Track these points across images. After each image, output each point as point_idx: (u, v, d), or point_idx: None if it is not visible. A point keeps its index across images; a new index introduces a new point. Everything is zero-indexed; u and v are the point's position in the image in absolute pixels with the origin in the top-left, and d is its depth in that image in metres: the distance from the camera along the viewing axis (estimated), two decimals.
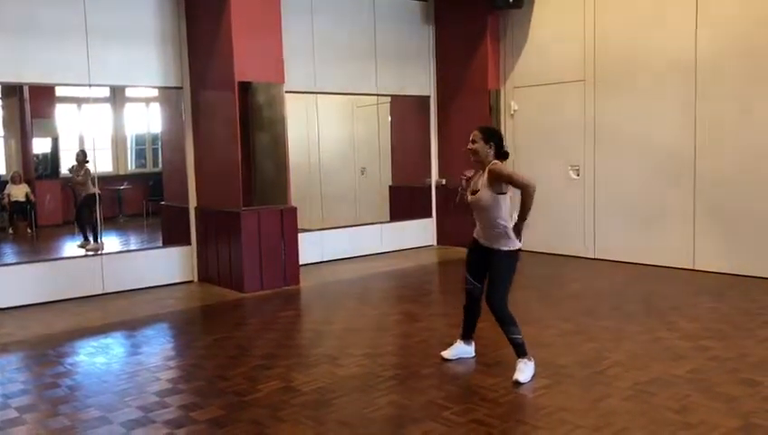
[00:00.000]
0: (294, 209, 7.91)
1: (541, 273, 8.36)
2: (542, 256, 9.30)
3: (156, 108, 10.03)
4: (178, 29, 8.08)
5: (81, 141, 9.96)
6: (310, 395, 4.38)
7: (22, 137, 9.98)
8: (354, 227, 9.92)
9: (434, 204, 10.53)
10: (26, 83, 8.19)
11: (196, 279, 8.27)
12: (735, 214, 7.59)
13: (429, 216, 10.52)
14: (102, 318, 6.67)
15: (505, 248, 4.58)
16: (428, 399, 4.26)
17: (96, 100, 8.72)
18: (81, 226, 8.97)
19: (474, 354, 5.04)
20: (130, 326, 6.42)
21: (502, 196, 4.52)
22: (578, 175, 9.04)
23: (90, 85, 7.55)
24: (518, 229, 4.57)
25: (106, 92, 10.00)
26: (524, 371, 4.55)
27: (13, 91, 9.49)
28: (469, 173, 4.77)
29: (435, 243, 10.53)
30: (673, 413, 3.92)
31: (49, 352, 5.57)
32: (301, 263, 8.10)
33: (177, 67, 8.09)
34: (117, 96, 10.46)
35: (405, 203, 10.68)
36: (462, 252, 9.55)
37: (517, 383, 4.48)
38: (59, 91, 9.47)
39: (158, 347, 5.83)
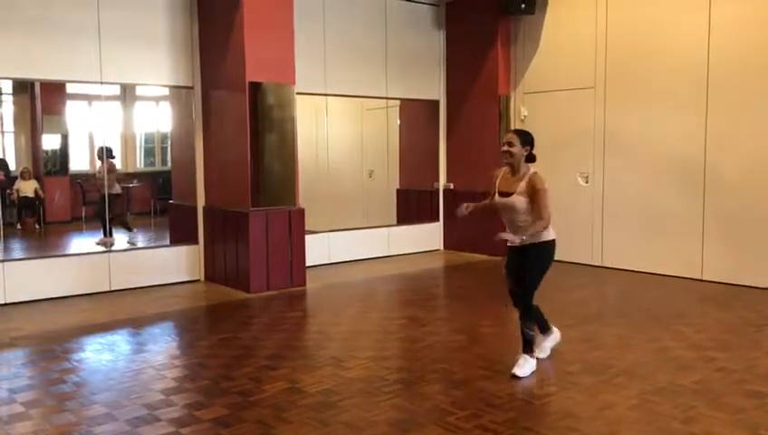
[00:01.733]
0: (302, 211, 7.92)
1: (548, 279, 8.29)
2: None
3: (166, 107, 10.05)
4: (190, 29, 8.11)
5: (91, 139, 10.00)
6: (315, 397, 4.38)
7: (32, 133, 10.02)
8: (361, 230, 9.93)
9: (441, 208, 10.52)
10: (38, 80, 8.22)
11: (202, 278, 8.29)
12: (744, 224, 7.55)
13: (436, 220, 10.52)
14: (109, 315, 6.69)
15: (540, 240, 4.70)
16: (434, 404, 4.25)
17: (107, 97, 8.75)
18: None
19: (559, 335, 5.19)
20: (137, 324, 6.43)
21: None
22: (587, 182, 9.03)
23: (101, 83, 7.59)
24: (504, 241, 4.67)
25: (117, 90, 10.02)
26: (524, 366, 4.72)
27: (24, 87, 9.53)
28: (499, 172, 4.88)
29: (441, 247, 10.52)
30: (679, 423, 3.90)
31: (55, 347, 5.59)
32: (307, 264, 8.10)
33: (189, 67, 8.12)
34: (127, 94, 10.49)
35: (412, 207, 10.68)
36: (468, 257, 9.65)
37: (514, 377, 4.65)
38: (70, 88, 9.49)
39: (163, 345, 5.85)
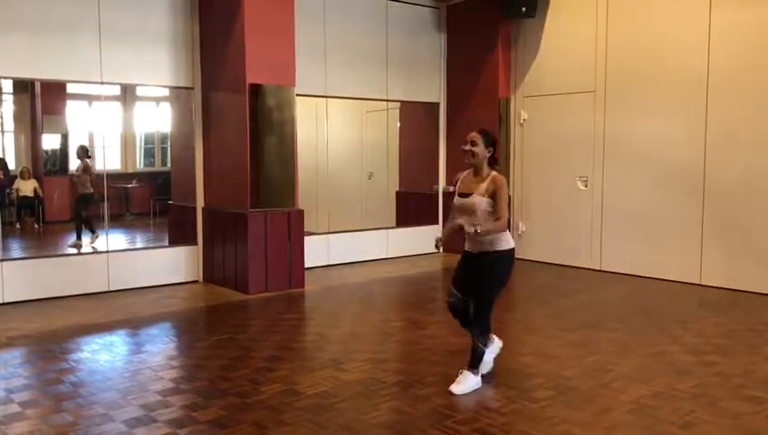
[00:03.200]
0: (301, 212, 7.91)
1: (546, 283, 8.34)
2: (547, 267, 9.30)
3: (166, 107, 10.05)
4: (191, 30, 8.11)
5: (91, 138, 9.99)
6: (312, 399, 4.38)
7: (32, 133, 10.01)
8: (360, 232, 9.93)
9: (440, 211, 10.52)
10: (39, 79, 8.22)
11: (201, 279, 8.28)
12: (743, 229, 7.55)
13: (436, 222, 10.51)
14: (107, 315, 6.69)
15: (498, 249, 4.44)
16: (431, 406, 4.24)
17: (107, 98, 8.75)
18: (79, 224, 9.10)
19: (500, 343, 4.82)
20: (134, 324, 6.42)
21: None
22: (586, 186, 9.03)
23: (101, 83, 7.59)
24: (461, 228, 4.35)
25: (117, 91, 10.01)
26: (463, 383, 4.47)
27: (24, 86, 9.52)
28: (460, 175, 4.70)
29: (440, 250, 10.51)
30: (677, 428, 3.90)
31: (53, 347, 5.58)
32: (306, 266, 8.10)
33: (189, 67, 8.12)
34: (127, 95, 10.48)
35: (411, 209, 10.68)
36: None
37: (450, 393, 4.41)
38: (70, 88, 9.48)
39: (161, 346, 5.84)
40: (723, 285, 7.70)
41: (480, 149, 4.49)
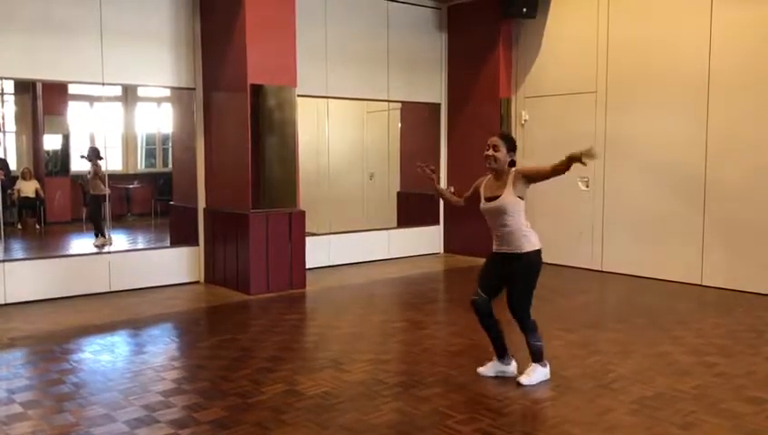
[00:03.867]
0: (303, 213, 7.92)
1: (548, 284, 8.30)
2: (549, 267, 9.22)
3: (167, 108, 10.06)
4: (193, 30, 8.12)
5: (92, 139, 10.00)
6: (314, 399, 4.38)
7: (33, 133, 10.02)
8: (361, 233, 9.93)
9: (441, 211, 10.52)
10: (40, 80, 8.23)
11: (202, 280, 8.29)
12: (744, 230, 7.55)
13: (437, 223, 10.52)
14: (108, 316, 6.69)
15: (527, 249, 4.52)
16: (433, 407, 4.25)
17: (108, 98, 8.76)
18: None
19: (515, 371, 4.76)
20: (136, 325, 6.43)
21: (523, 200, 4.57)
22: (587, 187, 9.03)
23: (103, 84, 7.60)
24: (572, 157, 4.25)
25: (118, 91, 10.04)
26: (532, 375, 4.63)
27: (26, 87, 9.53)
28: (482, 180, 4.74)
29: (441, 250, 10.52)
30: (678, 429, 3.90)
31: (55, 348, 5.59)
32: (307, 267, 8.10)
33: (190, 68, 8.13)
34: (129, 95, 10.50)
35: (413, 210, 10.68)
36: (469, 260, 9.64)
37: (519, 384, 4.58)
38: (71, 89, 9.50)
39: (162, 347, 5.84)
40: (724, 286, 7.69)
41: (502, 154, 4.54)
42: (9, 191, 9.24)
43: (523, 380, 4.61)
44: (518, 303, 4.55)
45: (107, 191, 8.61)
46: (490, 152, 4.55)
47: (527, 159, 9.73)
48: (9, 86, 9.63)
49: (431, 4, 10.16)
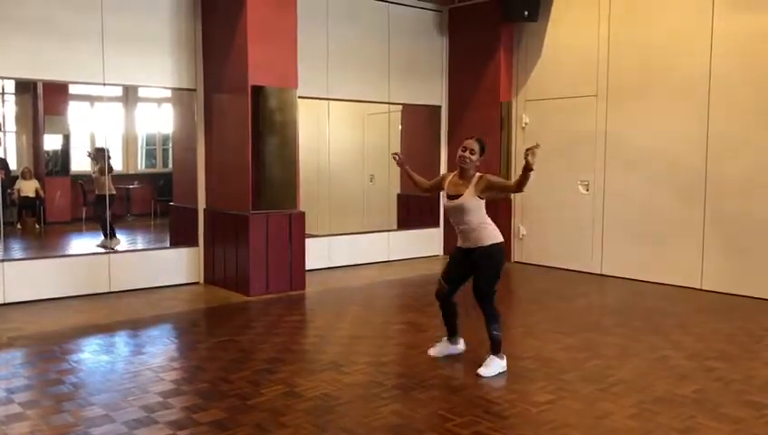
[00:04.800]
0: (303, 214, 7.92)
1: (547, 287, 8.34)
2: (549, 270, 9.30)
3: (168, 109, 10.06)
4: (194, 31, 8.12)
5: (93, 139, 10.00)
6: (313, 401, 4.38)
7: (34, 133, 10.02)
8: (362, 235, 9.93)
9: (442, 214, 10.51)
10: (41, 80, 8.24)
11: (202, 281, 8.28)
12: (745, 234, 7.55)
13: (437, 225, 10.52)
14: (108, 316, 6.69)
15: (489, 243, 4.86)
16: (432, 410, 4.24)
17: (109, 99, 8.76)
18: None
19: (463, 348, 5.31)
20: (135, 325, 6.43)
21: (483, 200, 4.90)
22: (587, 190, 9.03)
23: (104, 84, 7.60)
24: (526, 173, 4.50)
25: (119, 92, 10.04)
26: (491, 365, 4.89)
27: (27, 87, 9.53)
28: (447, 175, 5.14)
29: (441, 253, 10.51)
30: (677, 433, 3.90)
31: (54, 348, 5.58)
32: (307, 268, 8.10)
33: (191, 69, 8.13)
34: (129, 96, 10.50)
35: (413, 212, 10.68)
36: None
37: (479, 376, 4.81)
38: (72, 89, 9.50)
39: (162, 347, 5.84)
40: (723, 290, 7.69)
41: (475, 157, 4.89)
42: (9, 191, 9.24)
43: (482, 371, 4.85)
44: (482, 292, 4.89)
45: (113, 191, 8.62)
46: (466, 154, 4.88)
47: None
48: (10, 86, 9.63)
49: (432, 7, 10.17)
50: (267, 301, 7.40)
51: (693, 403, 4.37)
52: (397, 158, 5.54)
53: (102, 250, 8.33)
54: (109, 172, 8.84)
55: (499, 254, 4.90)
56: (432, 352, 5.31)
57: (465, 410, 4.25)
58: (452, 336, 5.31)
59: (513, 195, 9.82)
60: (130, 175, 11.04)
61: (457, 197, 4.88)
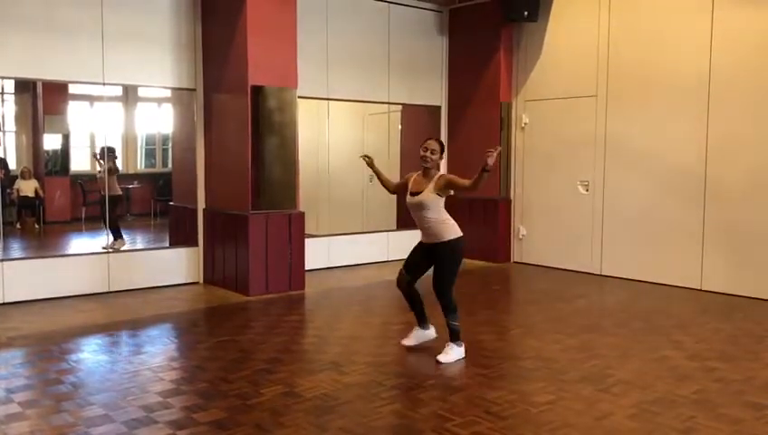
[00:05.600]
0: (302, 214, 7.92)
1: (547, 287, 8.34)
2: (548, 271, 9.30)
3: (168, 108, 10.05)
4: (194, 31, 8.12)
5: (93, 139, 9.99)
6: (312, 401, 4.37)
7: (33, 133, 10.01)
8: (361, 235, 9.92)
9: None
10: (41, 80, 8.22)
11: (201, 281, 8.28)
12: (745, 234, 7.55)
13: None
14: (107, 316, 6.69)
15: (449, 238, 5.12)
16: (431, 410, 4.24)
17: (109, 98, 8.75)
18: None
19: (435, 335, 5.53)
20: (135, 325, 6.42)
21: (442, 198, 5.16)
22: (587, 190, 9.03)
23: (103, 84, 7.60)
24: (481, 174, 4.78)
25: (118, 91, 10.02)
26: (450, 353, 5.18)
27: (26, 87, 9.52)
28: (411, 175, 5.36)
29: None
30: (677, 434, 3.89)
31: (53, 348, 5.58)
32: (307, 268, 8.10)
33: (191, 69, 8.13)
34: (129, 95, 10.48)
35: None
36: (468, 263, 9.63)
37: (438, 362, 5.11)
38: (72, 89, 9.49)
39: (161, 347, 5.83)
40: (723, 291, 7.69)
41: (436, 157, 5.18)
42: (8, 191, 9.23)
43: (441, 358, 5.14)
44: (441, 285, 5.14)
45: (119, 192, 8.61)
46: (427, 154, 5.15)
47: (528, 163, 9.76)
48: (9, 85, 9.62)
49: (433, 7, 10.17)
50: (267, 301, 7.40)
51: (693, 404, 4.36)
52: (366, 159, 5.77)
53: (103, 250, 8.32)
54: (116, 173, 8.83)
55: (458, 249, 5.15)
56: (406, 341, 5.52)
57: (464, 410, 4.24)
58: (422, 323, 5.51)
59: (511, 194, 9.84)
60: (130, 175, 11.02)
61: (418, 194, 5.15)
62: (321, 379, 4.80)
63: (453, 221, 5.19)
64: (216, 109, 8.05)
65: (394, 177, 10.79)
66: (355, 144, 11.18)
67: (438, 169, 5.25)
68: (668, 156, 8.15)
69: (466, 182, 4.96)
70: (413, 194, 5.21)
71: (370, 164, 5.75)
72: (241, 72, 7.49)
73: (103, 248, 8.27)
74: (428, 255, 5.23)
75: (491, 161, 4.65)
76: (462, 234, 5.18)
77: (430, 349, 5.56)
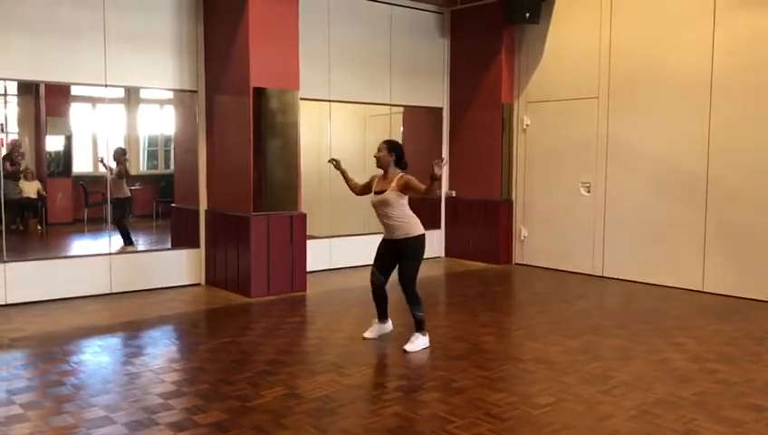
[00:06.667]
0: (304, 216, 7.92)
1: (548, 289, 8.34)
2: (550, 272, 9.29)
3: (170, 110, 10.06)
4: (196, 33, 8.13)
5: (95, 140, 9.99)
6: (313, 403, 4.38)
7: (36, 134, 10.02)
8: (362, 236, 9.90)
9: (443, 215, 10.52)
10: (43, 82, 8.24)
11: (203, 282, 8.29)
12: (746, 236, 7.54)
13: (438, 227, 10.51)
14: (109, 318, 6.70)
15: (413, 234, 5.51)
16: (432, 412, 4.24)
17: (111, 100, 8.76)
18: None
19: (391, 328, 5.91)
20: (136, 327, 6.43)
21: (405, 196, 5.51)
22: (588, 192, 9.02)
23: (106, 86, 7.62)
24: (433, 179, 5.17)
25: (121, 93, 10.02)
26: (415, 342, 5.50)
27: (28, 88, 9.52)
28: (375, 176, 5.73)
29: (443, 254, 10.51)
30: None
31: (55, 349, 5.58)
32: (308, 270, 8.10)
33: (193, 71, 8.15)
34: (131, 97, 10.47)
35: (414, 213, 10.63)
36: (470, 265, 9.65)
37: (405, 352, 5.41)
38: (74, 91, 9.50)
39: (163, 349, 5.84)
40: (725, 292, 7.68)
41: (383, 154, 5.59)
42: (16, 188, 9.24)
43: (407, 347, 5.45)
44: (406, 278, 5.51)
45: (129, 194, 8.62)
46: (376, 155, 5.64)
47: (529, 165, 9.76)
48: (12, 87, 9.63)
49: (434, 8, 10.18)
50: (268, 302, 7.41)
51: (694, 406, 4.36)
52: (333, 162, 6.18)
53: (104, 252, 8.32)
54: (126, 175, 8.84)
55: (420, 244, 5.54)
56: (368, 334, 5.85)
57: (465, 412, 4.24)
58: (382, 318, 5.87)
59: (513, 196, 9.85)
60: (132, 176, 11.01)
61: (383, 192, 5.52)
62: (322, 380, 4.81)
63: (416, 218, 5.57)
64: (217, 110, 8.07)
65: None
66: (357, 146, 11.17)
67: (397, 169, 5.59)
68: (670, 158, 8.14)
69: (421, 186, 5.31)
70: (377, 193, 5.60)
71: (337, 166, 6.13)
72: (243, 73, 7.50)
73: (116, 251, 8.26)
74: (393, 251, 5.57)
75: (438, 172, 5.07)
76: (424, 231, 5.58)
77: (431, 351, 5.57)
